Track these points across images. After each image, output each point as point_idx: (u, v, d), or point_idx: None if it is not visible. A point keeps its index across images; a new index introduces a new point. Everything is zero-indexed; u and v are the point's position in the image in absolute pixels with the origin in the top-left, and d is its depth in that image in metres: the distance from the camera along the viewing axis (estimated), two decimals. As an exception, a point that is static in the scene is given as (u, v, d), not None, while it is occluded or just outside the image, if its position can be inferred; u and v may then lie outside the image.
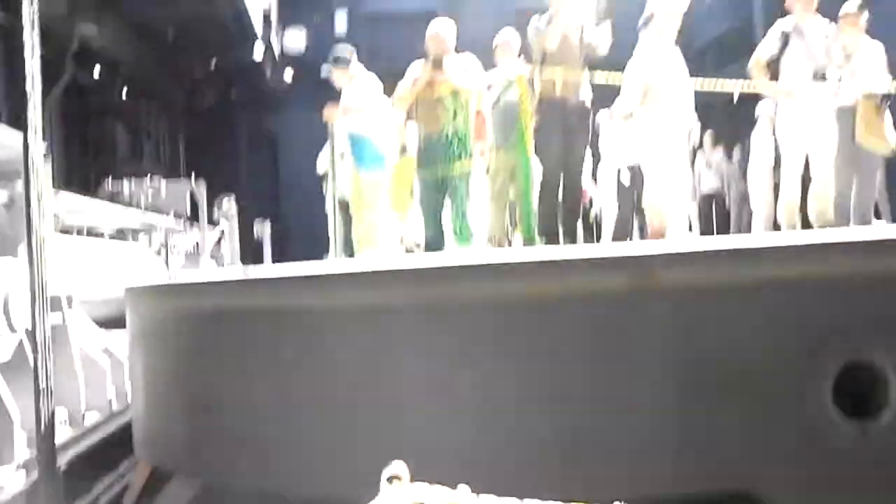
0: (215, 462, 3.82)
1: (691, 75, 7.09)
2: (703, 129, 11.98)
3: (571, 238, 6.74)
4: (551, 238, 6.48)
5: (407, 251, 7.42)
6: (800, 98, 6.67)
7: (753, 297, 2.99)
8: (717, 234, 13.24)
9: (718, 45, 18.97)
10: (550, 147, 6.47)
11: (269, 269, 5.69)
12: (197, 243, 16.65)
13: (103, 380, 7.33)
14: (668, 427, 2.95)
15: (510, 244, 7.90)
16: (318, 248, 12.58)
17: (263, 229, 22.87)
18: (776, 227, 8.53)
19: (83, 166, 17.54)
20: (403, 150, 8.29)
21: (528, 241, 6.28)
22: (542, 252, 3.32)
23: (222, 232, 18.45)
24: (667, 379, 2.90)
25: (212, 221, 17.87)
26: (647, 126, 6.64)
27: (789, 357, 2.62)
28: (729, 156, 13.89)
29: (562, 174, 6.55)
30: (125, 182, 15.02)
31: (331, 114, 8.06)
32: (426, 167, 6.96)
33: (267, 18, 21.44)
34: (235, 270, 9.25)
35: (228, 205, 19.25)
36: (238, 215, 19.71)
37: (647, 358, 2.92)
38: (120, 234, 13.88)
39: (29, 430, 5.15)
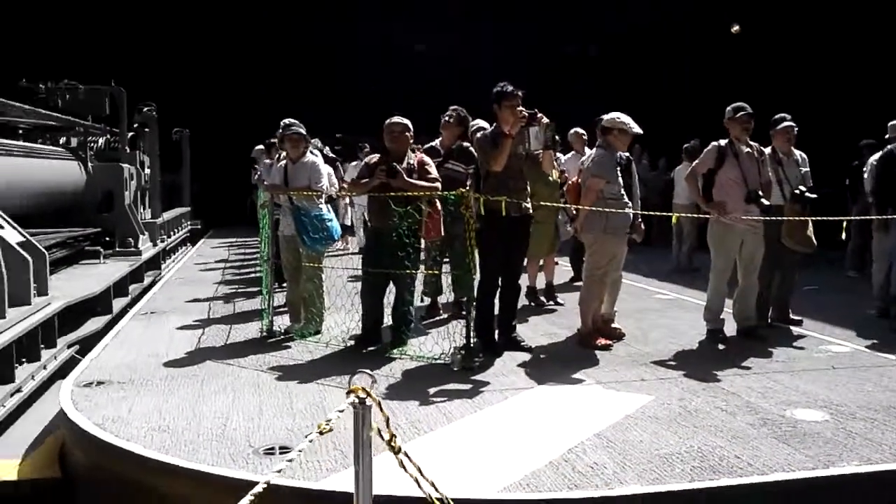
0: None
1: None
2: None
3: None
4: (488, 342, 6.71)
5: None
6: (731, 216, 7.09)
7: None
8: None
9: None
10: (493, 254, 6.67)
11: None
12: (111, 143, 16.47)
13: (27, 273, 7.68)
14: None
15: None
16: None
17: (182, 136, 22.78)
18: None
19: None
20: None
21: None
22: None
23: (138, 134, 18.23)
24: None
25: (131, 127, 17.62)
26: None
27: None
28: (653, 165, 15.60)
29: (500, 278, 6.82)
30: (41, 83, 14.59)
31: (276, 190, 7.68)
32: (372, 262, 6.98)
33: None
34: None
35: (149, 111, 19.02)
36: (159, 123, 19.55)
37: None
38: (37, 134, 13.73)
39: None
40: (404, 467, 2.92)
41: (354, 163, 14.86)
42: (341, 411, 2.82)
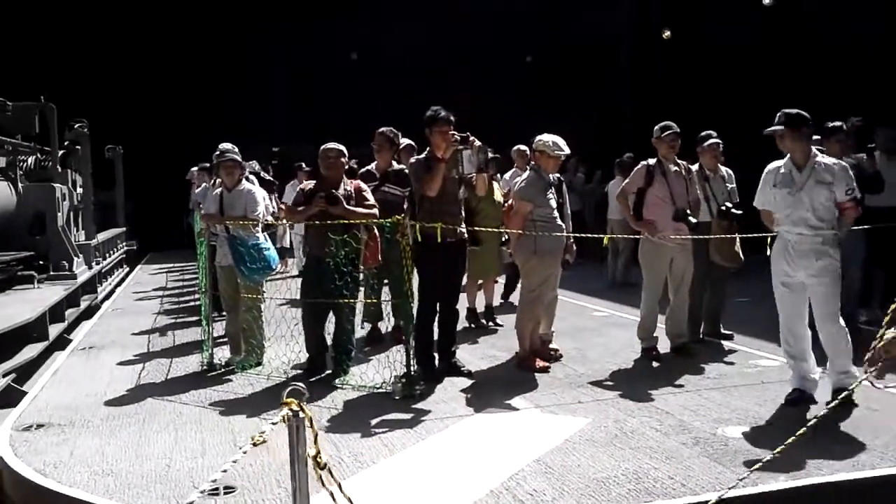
0: None
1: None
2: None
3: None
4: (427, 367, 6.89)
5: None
6: (660, 235, 7.28)
7: None
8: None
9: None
10: (431, 280, 6.74)
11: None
12: (41, 162, 16.13)
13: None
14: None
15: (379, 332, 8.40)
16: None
17: (115, 153, 22.36)
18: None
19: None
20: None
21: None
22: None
23: (69, 152, 17.88)
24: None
25: (62, 145, 17.28)
26: None
27: None
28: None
29: (439, 303, 6.92)
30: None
31: (211, 220, 7.61)
32: (311, 289, 7.01)
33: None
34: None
35: (81, 128, 18.68)
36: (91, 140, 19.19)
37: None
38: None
39: None
40: (322, 482, 2.97)
41: (293, 182, 14.78)
42: (275, 424, 2.90)
